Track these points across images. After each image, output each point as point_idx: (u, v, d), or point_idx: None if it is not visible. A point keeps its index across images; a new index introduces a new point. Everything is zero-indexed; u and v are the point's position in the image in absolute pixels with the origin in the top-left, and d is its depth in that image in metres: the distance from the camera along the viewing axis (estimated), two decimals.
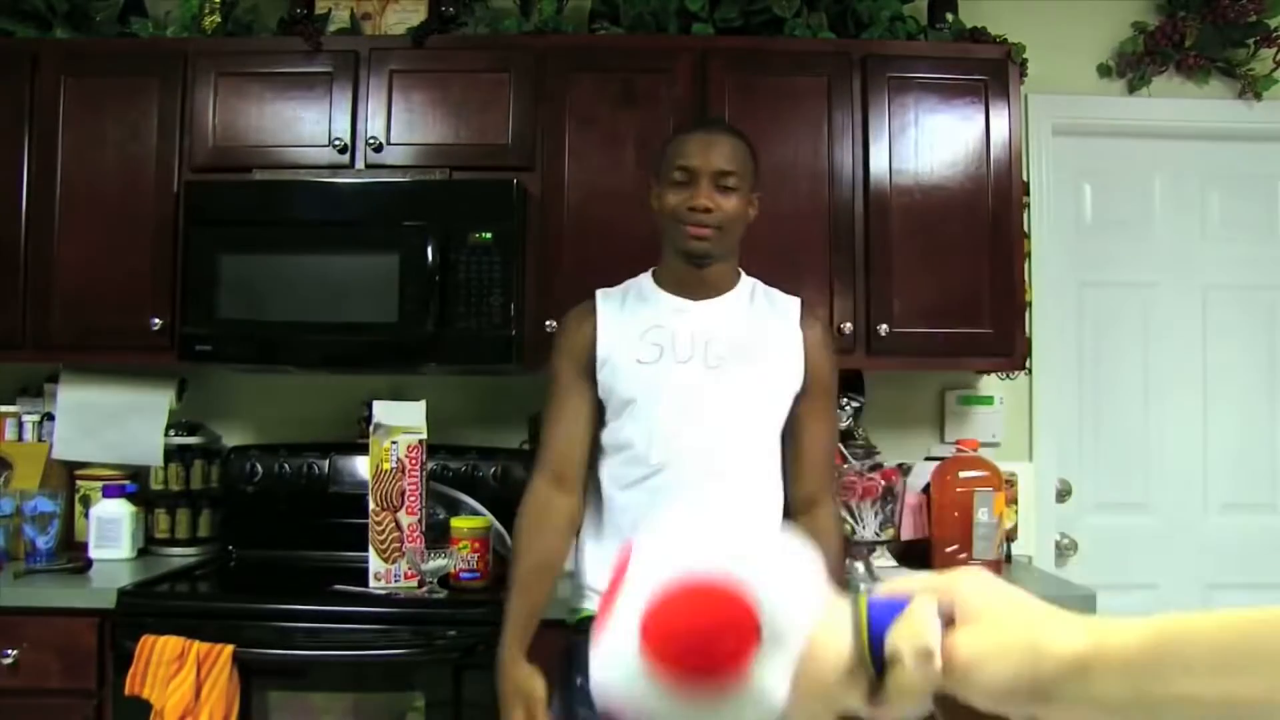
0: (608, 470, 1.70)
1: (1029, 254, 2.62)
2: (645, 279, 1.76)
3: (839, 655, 0.47)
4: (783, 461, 1.71)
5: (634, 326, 1.68)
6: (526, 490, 1.70)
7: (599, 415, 1.71)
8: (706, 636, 0.45)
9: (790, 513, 1.71)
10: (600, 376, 1.69)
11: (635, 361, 1.65)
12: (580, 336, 1.72)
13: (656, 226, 1.76)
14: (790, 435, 1.71)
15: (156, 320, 2.34)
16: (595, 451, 1.72)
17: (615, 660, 0.48)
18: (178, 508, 2.52)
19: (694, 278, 1.70)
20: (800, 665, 0.47)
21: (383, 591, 2.12)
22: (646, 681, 0.46)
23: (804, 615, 0.47)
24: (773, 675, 0.46)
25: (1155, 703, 0.41)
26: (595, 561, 1.68)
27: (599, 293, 1.77)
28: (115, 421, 2.53)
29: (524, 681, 1.57)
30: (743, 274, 1.78)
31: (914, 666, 0.45)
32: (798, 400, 1.70)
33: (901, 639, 0.45)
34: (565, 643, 1.66)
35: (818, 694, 0.47)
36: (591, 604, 1.65)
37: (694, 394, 1.63)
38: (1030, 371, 2.67)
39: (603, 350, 1.69)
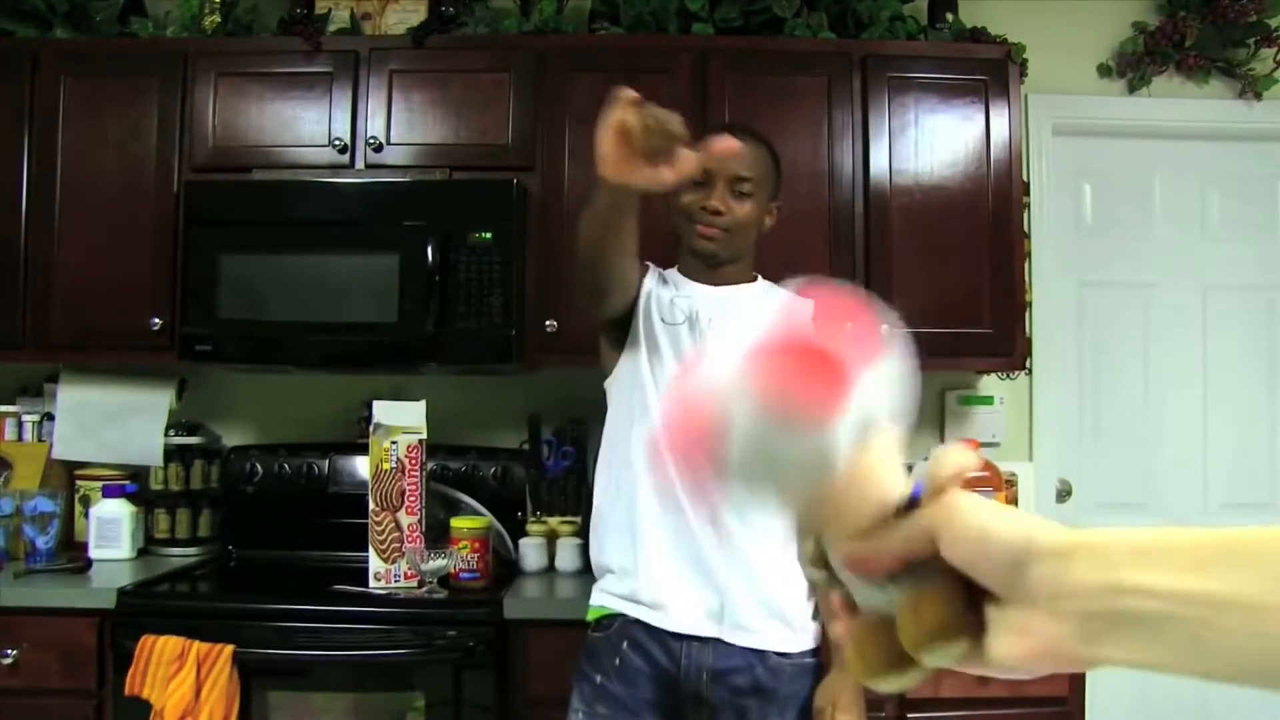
0: (619, 430, 1.68)
1: (1029, 254, 2.62)
2: (672, 269, 1.78)
3: (882, 479, 0.50)
4: None
5: (666, 293, 1.70)
6: None
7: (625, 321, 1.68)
8: (807, 371, 0.49)
9: None
10: (638, 308, 1.68)
11: (661, 321, 1.66)
12: (642, 268, 1.71)
13: (670, 225, 1.76)
14: None
15: (156, 320, 2.34)
16: (608, 432, 1.72)
17: (717, 372, 0.52)
18: (178, 508, 2.52)
19: (710, 274, 1.72)
20: (857, 457, 0.50)
21: (383, 591, 2.12)
22: (743, 387, 0.50)
23: (882, 416, 0.51)
24: (843, 438, 0.49)
25: (1125, 590, 0.41)
26: (614, 547, 1.65)
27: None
28: (115, 421, 2.53)
29: None
30: (759, 276, 1.79)
31: (948, 479, 0.47)
32: None
33: (945, 460, 0.48)
34: (584, 640, 1.66)
35: (858, 490, 0.50)
36: (607, 600, 1.64)
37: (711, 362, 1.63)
38: (1030, 371, 2.67)
39: (647, 285, 1.69)
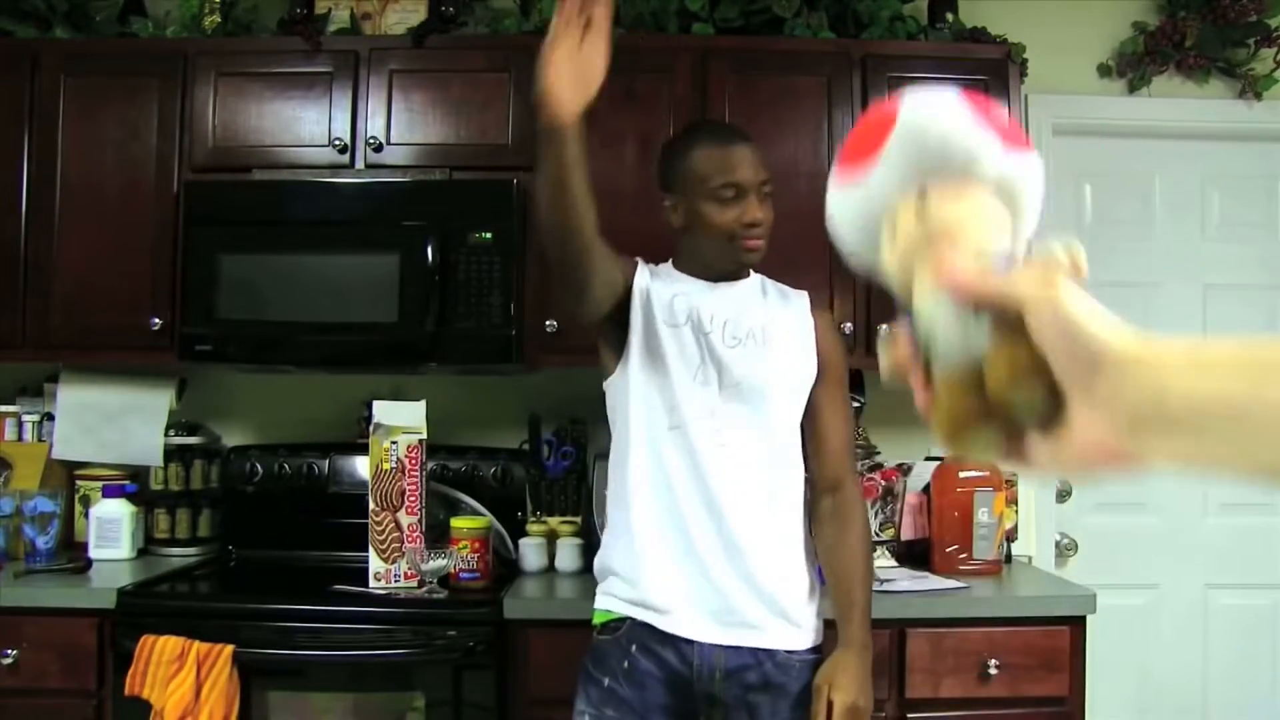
0: (621, 434, 1.69)
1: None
2: (665, 265, 1.76)
3: (977, 230, 0.52)
4: (802, 449, 1.72)
5: (664, 292, 1.67)
6: None
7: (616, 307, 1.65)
8: (858, 134, 0.56)
9: (815, 496, 1.72)
10: (633, 306, 1.65)
11: (663, 323, 1.65)
12: (630, 264, 1.69)
13: (672, 236, 1.73)
14: (809, 423, 1.72)
15: (156, 320, 2.34)
16: (613, 436, 1.72)
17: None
18: (178, 508, 2.52)
19: (708, 270, 1.71)
20: (937, 204, 0.53)
21: (383, 591, 2.12)
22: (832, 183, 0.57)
23: (934, 153, 0.54)
24: (889, 175, 0.53)
25: (1171, 393, 0.45)
26: (618, 551, 1.65)
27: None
28: (115, 421, 2.53)
29: None
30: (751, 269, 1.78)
31: (1052, 259, 0.49)
32: (814, 389, 1.71)
33: (1057, 246, 0.51)
34: (589, 642, 1.66)
35: (952, 233, 0.52)
36: (613, 604, 1.63)
37: (713, 364, 1.63)
38: None
39: (640, 282, 1.67)
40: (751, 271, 1.77)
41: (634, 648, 1.58)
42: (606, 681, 1.58)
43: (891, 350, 0.54)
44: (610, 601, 1.64)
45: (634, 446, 1.64)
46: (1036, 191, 0.55)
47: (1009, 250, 0.52)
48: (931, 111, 0.55)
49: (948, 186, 0.52)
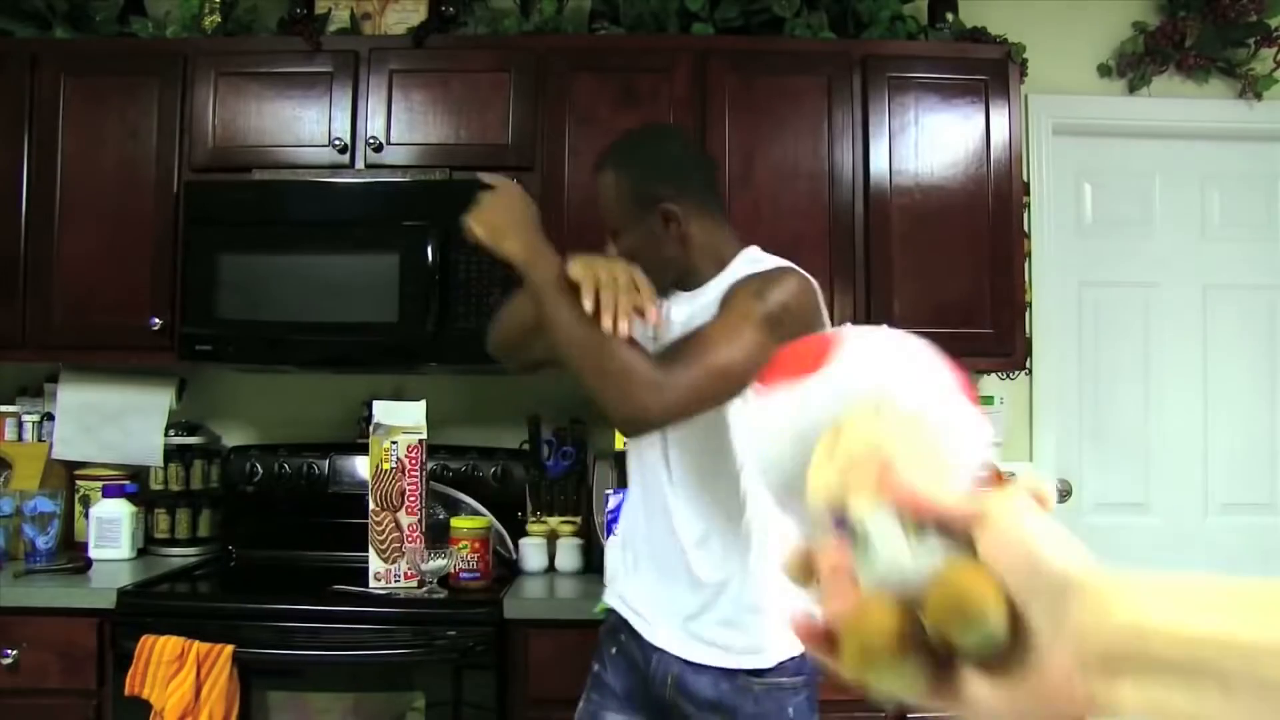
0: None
1: (1029, 254, 2.62)
2: None
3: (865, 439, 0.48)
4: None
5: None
6: None
7: None
8: (801, 347, 0.54)
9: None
10: None
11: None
12: None
13: None
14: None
15: (156, 320, 2.34)
16: None
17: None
18: (178, 508, 2.52)
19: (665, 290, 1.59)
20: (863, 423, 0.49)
21: (383, 591, 2.12)
22: (755, 401, 0.55)
23: (865, 384, 0.51)
24: (838, 385, 0.51)
25: (1153, 632, 0.39)
26: (613, 550, 1.69)
27: None
28: (115, 421, 2.53)
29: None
30: (741, 254, 1.58)
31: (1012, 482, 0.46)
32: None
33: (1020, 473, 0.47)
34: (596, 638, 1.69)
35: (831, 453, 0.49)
36: (608, 594, 1.68)
37: None
38: (1030, 371, 2.67)
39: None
40: (728, 265, 1.57)
41: (621, 636, 1.60)
42: (596, 667, 1.63)
43: (807, 556, 0.48)
44: (607, 591, 1.69)
45: (629, 455, 1.68)
46: (987, 446, 0.52)
47: (964, 476, 0.47)
48: (889, 334, 0.54)
49: (902, 408, 0.49)
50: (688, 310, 1.56)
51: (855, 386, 0.50)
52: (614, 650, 1.61)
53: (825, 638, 0.45)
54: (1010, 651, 0.42)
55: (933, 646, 0.43)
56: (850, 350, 0.52)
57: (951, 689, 0.44)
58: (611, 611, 1.65)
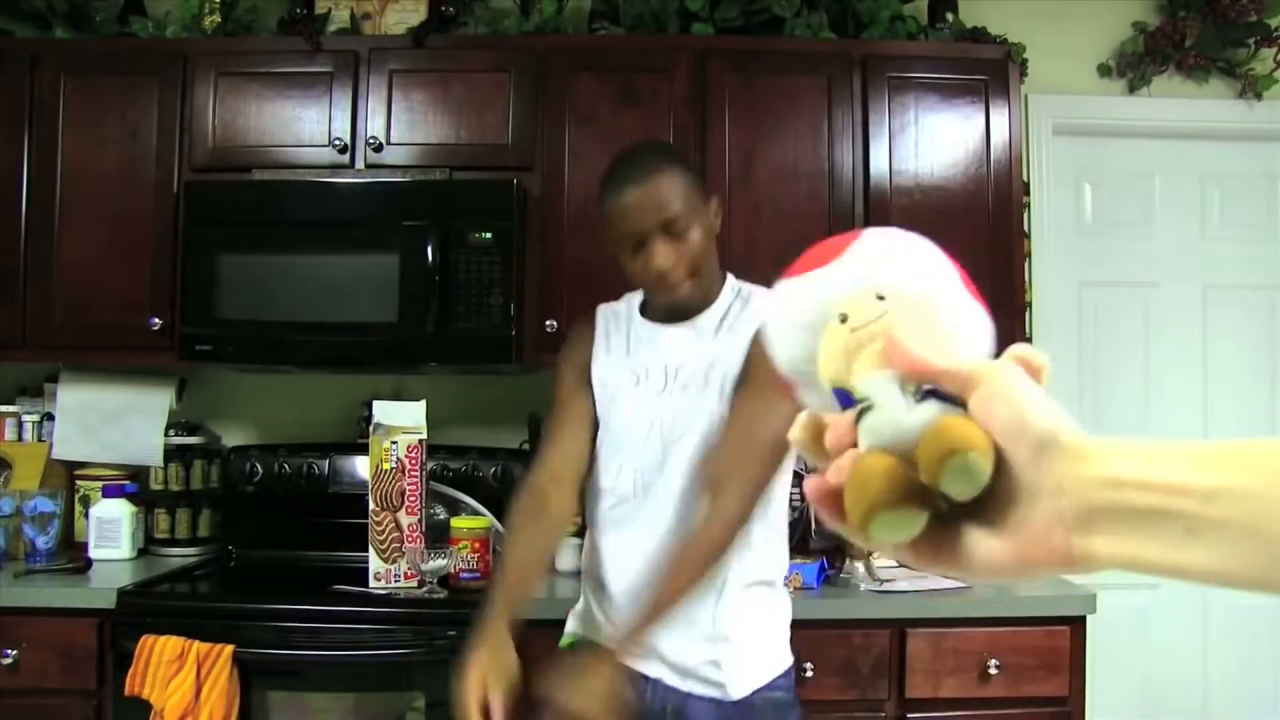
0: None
1: (1029, 254, 2.62)
2: (635, 300, 1.68)
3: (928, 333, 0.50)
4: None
5: (619, 351, 1.63)
6: (523, 485, 1.64)
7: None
8: (817, 245, 0.56)
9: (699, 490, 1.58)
10: (595, 394, 1.64)
11: (617, 386, 1.61)
12: (581, 350, 1.67)
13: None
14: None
15: (156, 320, 2.34)
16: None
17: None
18: (178, 508, 2.52)
19: (673, 307, 1.60)
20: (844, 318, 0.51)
21: (383, 591, 2.12)
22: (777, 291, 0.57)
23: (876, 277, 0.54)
24: (849, 271, 0.53)
25: (1124, 483, 0.41)
26: (584, 580, 1.69)
27: (600, 309, 1.70)
28: (115, 421, 2.53)
29: (498, 654, 1.45)
30: (727, 282, 1.63)
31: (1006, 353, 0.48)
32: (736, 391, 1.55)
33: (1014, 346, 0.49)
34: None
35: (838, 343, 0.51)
36: (576, 626, 1.69)
37: (659, 423, 1.57)
38: None
39: (596, 370, 1.64)
40: (725, 286, 1.62)
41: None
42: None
43: (815, 424, 0.50)
44: (575, 623, 1.72)
45: (589, 497, 1.69)
46: (989, 337, 0.54)
47: (963, 351, 0.50)
48: (900, 233, 0.57)
49: (907, 292, 0.52)
50: (683, 346, 1.58)
51: (866, 274, 0.53)
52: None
53: (832, 496, 0.48)
54: (997, 505, 0.45)
55: (931, 500, 0.46)
56: (865, 243, 0.55)
57: (948, 544, 0.47)
58: (583, 642, 1.61)
